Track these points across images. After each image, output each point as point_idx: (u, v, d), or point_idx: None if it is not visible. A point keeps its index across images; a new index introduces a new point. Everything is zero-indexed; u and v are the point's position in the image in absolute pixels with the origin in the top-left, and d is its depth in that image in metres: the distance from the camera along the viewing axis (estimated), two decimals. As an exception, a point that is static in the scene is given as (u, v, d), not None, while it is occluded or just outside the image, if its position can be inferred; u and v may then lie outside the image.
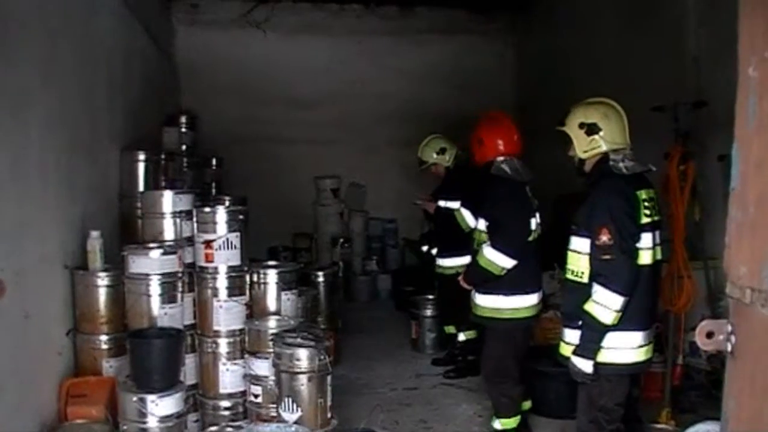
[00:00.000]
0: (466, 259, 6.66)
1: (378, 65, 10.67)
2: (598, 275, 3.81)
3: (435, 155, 7.06)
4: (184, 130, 8.47)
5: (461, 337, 7.05)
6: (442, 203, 6.93)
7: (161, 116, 8.23)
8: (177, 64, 10.04)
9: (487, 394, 5.39)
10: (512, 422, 5.15)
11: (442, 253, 6.98)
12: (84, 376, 4.68)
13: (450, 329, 7.27)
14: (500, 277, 4.95)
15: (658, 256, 4.04)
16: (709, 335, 1.72)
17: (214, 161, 9.45)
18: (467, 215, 6.70)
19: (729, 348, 1.69)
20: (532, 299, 5.07)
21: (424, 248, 7.38)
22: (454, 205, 6.81)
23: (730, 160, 1.71)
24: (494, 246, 4.91)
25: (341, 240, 10.57)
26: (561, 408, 5.35)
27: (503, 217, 4.99)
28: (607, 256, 3.76)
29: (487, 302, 5.07)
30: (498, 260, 4.90)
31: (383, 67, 10.68)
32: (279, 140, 10.38)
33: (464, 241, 6.69)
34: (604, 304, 3.75)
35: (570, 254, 4.02)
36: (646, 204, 3.89)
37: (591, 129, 4.01)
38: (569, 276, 4.05)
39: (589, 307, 3.80)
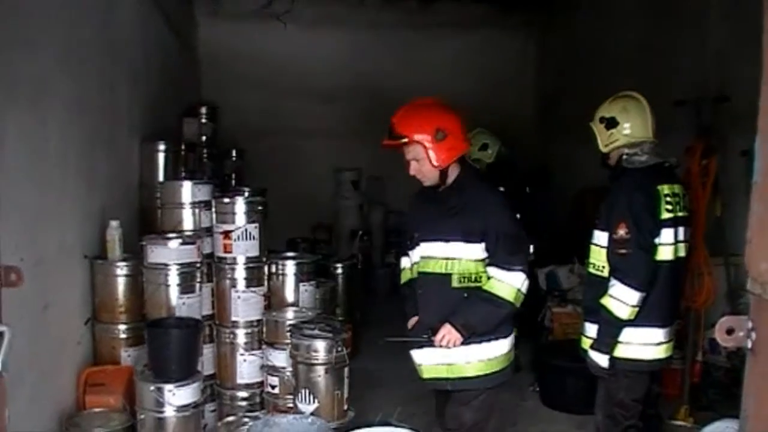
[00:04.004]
0: None
1: (398, 59, 10.62)
2: (615, 270, 3.80)
3: (477, 151, 6.76)
4: (204, 121, 8.48)
5: None
6: None
7: (181, 107, 8.24)
8: (198, 56, 10.06)
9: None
10: None
11: None
12: (102, 365, 4.71)
13: None
14: None
15: (681, 253, 4.01)
16: (730, 331, 1.69)
17: (234, 152, 9.46)
18: None
19: (749, 344, 1.66)
20: None
21: None
22: None
23: (753, 154, 1.68)
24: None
25: (360, 232, 10.55)
26: (579, 403, 5.34)
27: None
28: (623, 250, 3.75)
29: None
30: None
31: (403, 61, 10.63)
32: (299, 132, 10.37)
33: None
34: (621, 298, 3.74)
35: (592, 248, 4.02)
36: (668, 199, 3.87)
37: (610, 123, 4.04)
38: (591, 270, 4.05)
39: (605, 301, 3.80)
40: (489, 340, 3.75)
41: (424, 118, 3.76)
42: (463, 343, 3.68)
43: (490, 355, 3.76)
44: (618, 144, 4.01)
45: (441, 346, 3.70)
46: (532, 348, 6.74)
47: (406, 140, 3.70)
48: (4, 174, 3.47)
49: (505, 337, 3.82)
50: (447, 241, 3.71)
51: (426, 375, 3.89)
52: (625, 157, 3.97)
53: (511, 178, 6.74)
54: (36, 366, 3.82)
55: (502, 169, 6.81)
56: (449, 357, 3.75)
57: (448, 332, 3.67)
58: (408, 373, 6.72)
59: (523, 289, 3.65)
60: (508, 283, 3.62)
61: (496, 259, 3.65)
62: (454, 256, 3.69)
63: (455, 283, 3.70)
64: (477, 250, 3.67)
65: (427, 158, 3.68)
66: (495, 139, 6.93)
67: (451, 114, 3.80)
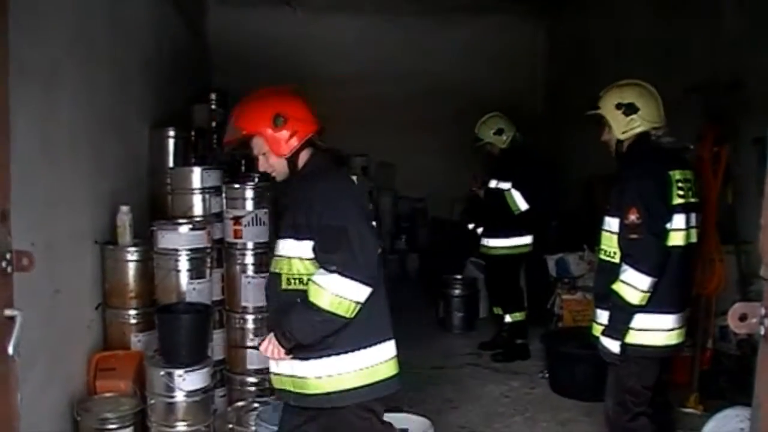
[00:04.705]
0: (511, 241, 6.68)
1: (408, 44, 10.57)
2: (626, 255, 3.77)
3: (492, 135, 6.82)
4: (214, 107, 8.45)
5: (507, 318, 7.00)
6: (493, 183, 6.82)
7: (192, 93, 8.23)
8: (208, 42, 10.04)
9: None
10: None
11: (488, 233, 6.94)
12: (113, 350, 4.72)
13: (498, 310, 7.21)
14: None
15: (693, 239, 3.99)
16: (742, 318, 1.68)
17: (244, 138, 9.43)
18: (517, 197, 6.65)
19: (762, 331, 1.66)
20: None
21: (470, 226, 7.24)
22: (505, 185, 6.72)
23: (766, 141, 1.67)
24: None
25: (370, 218, 10.51)
26: (588, 390, 5.33)
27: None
28: (634, 235, 3.72)
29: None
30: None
31: (413, 47, 10.58)
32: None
33: (512, 223, 6.68)
34: (632, 284, 3.72)
35: (603, 234, 3.99)
36: (679, 185, 3.84)
37: (629, 109, 3.96)
38: (602, 256, 4.02)
39: (617, 286, 3.77)
40: (327, 356, 3.18)
41: (261, 107, 3.36)
42: (298, 357, 3.20)
43: (330, 371, 3.18)
44: (638, 130, 3.96)
45: (268, 357, 3.28)
46: (541, 335, 6.74)
47: (244, 133, 3.33)
48: (16, 159, 3.46)
49: (348, 351, 3.20)
50: (284, 237, 3.29)
51: (276, 385, 3.41)
52: (653, 138, 3.94)
53: (524, 165, 6.74)
54: (47, 350, 3.83)
55: (516, 155, 6.80)
56: (294, 369, 3.24)
57: (268, 341, 3.21)
58: (417, 359, 6.78)
59: (347, 296, 3.06)
60: (323, 287, 3.05)
61: (317, 257, 3.16)
62: (283, 254, 3.25)
63: (284, 285, 3.23)
64: (309, 248, 3.17)
65: (271, 149, 3.32)
66: (511, 124, 6.88)
67: (291, 98, 3.48)
